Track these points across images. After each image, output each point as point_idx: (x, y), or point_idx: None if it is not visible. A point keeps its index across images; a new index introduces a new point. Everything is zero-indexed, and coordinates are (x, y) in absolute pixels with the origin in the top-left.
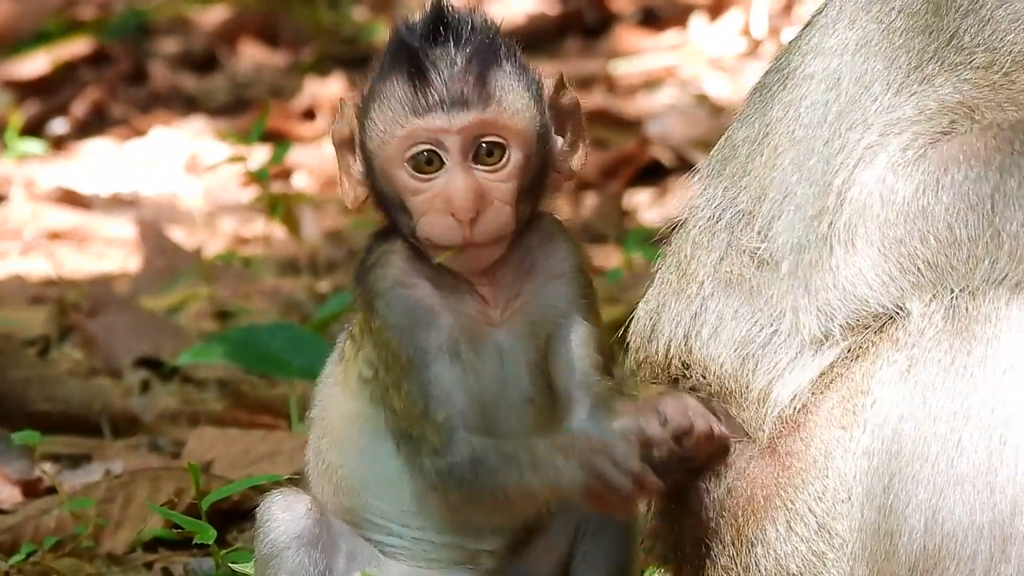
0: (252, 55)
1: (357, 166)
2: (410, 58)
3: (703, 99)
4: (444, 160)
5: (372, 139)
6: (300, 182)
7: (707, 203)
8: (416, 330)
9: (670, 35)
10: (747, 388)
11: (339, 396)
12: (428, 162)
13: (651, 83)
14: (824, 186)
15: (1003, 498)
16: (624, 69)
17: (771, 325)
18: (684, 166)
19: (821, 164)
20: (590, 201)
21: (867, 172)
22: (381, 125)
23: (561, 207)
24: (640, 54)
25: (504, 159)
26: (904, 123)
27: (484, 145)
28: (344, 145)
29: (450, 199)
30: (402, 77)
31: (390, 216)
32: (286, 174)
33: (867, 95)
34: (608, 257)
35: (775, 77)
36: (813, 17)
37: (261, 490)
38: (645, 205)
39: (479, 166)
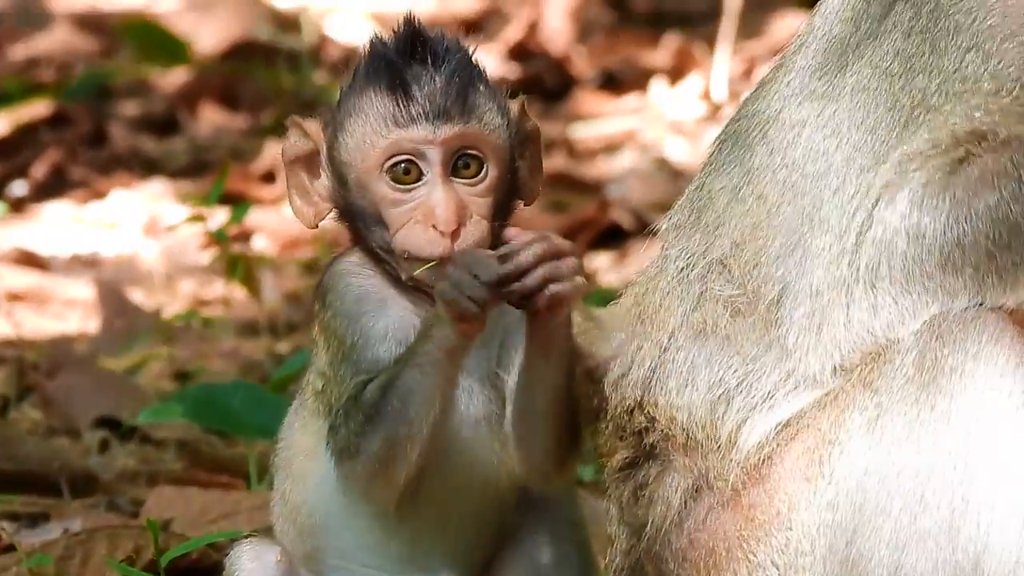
0: (212, 118)
1: (323, 181)
2: (390, 72)
3: (663, 163)
4: (424, 172)
5: (348, 151)
6: (260, 244)
7: (680, 253)
8: (364, 317)
9: (630, 99)
10: (715, 437)
11: (298, 433)
12: (407, 172)
13: (611, 147)
14: (841, 231)
15: (965, 556)
16: (584, 133)
17: (746, 373)
18: (644, 229)
19: (836, 211)
20: None
21: (888, 211)
22: (360, 137)
23: None
24: (600, 118)
25: (482, 173)
26: (920, 158)
27: (463, 158)
28: (299, 163)
29: (432, 211)
30: (382, 90)
31: (357, 231)
32: (246, 236)
33: (874, 138)
34: None
35: (750, 123)
36: (784, 59)
37: (219, 548)
38: (605, 268)
39: (458, 179)
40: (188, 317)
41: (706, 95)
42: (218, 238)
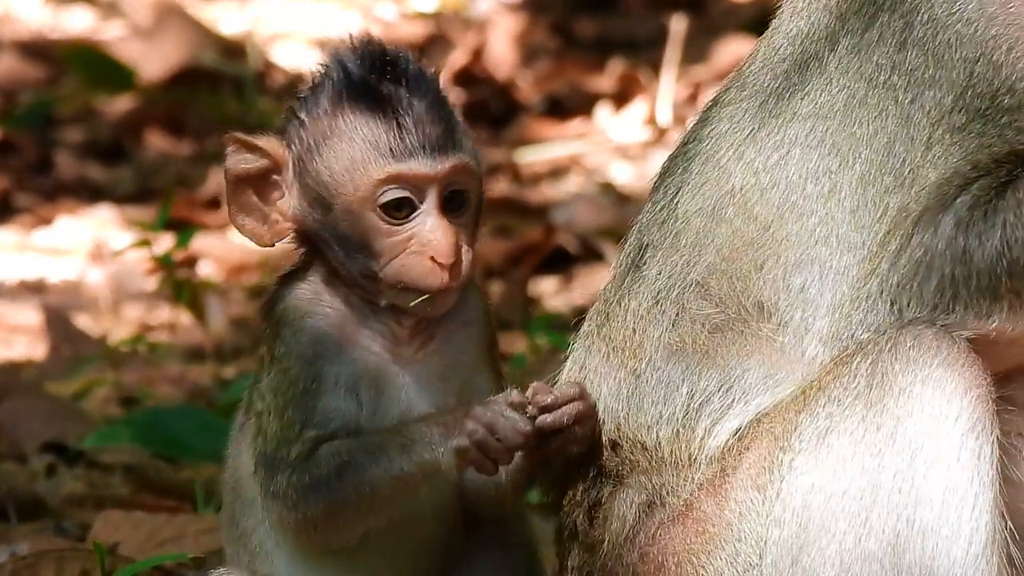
0: (158, 144)
1: (287, 201)
2: (372, 95)
3: (608, 187)
4: (418, 204)
5: (333, 176)
6: (206, 269)
7: (657, 276)
8: (319, 361)
9: (575, 124)
10: (680, 453)
11: (244, 454)
12: (400, 207)
13: (556, 171)
14: (868, 251)
15: None
16: (529, 157)
17: (725, 384)
18: (589, 254)
19: (857, 231)
20: (496, 288)
21: (929, 234)
22: (348, 163)
23: None
24: (545, 143)
25: (465, 205)
26: (960, 180)
27: (454, 191)
28: (247, 181)
29: (429, 244)
30: (368, 114)
31: (319, 253)
32: (191, 262)
33: (891, 156)
34: (513, 343)
35: (716, 145)
36: (742, 79)
37: (166, 571)
38: (550, 292)
39: (448, 212)
40: (134, 342)
41: (651, 120)
42: (164, 263)
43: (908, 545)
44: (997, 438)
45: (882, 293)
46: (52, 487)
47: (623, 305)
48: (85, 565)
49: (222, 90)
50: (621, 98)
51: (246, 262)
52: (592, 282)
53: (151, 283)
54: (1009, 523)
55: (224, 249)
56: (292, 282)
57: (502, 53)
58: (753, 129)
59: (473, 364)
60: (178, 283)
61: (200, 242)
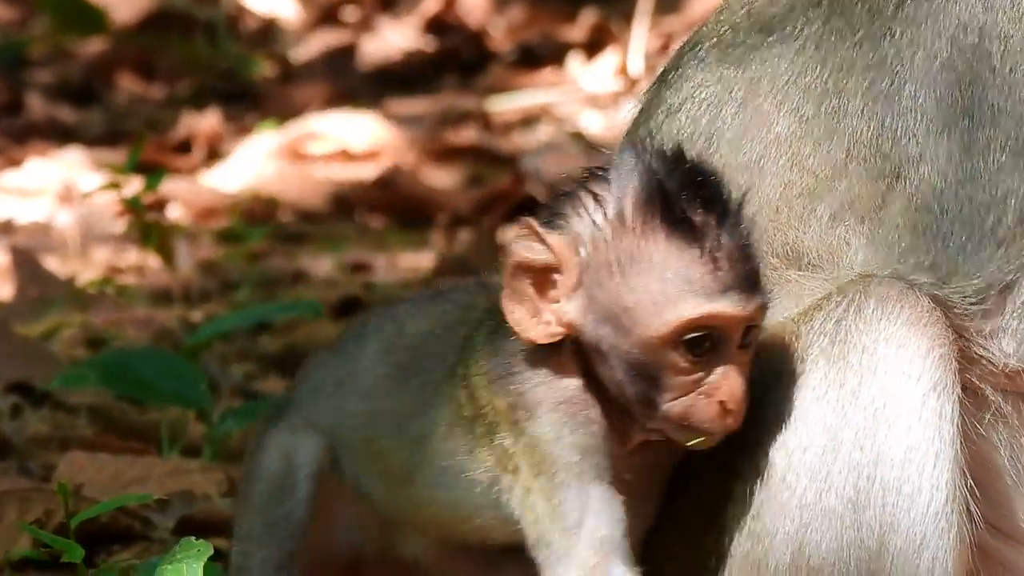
0: (129, 87)
1: (565, 308)
2: (685, 223)
3: (579, 136)
4: (718, 344)
5: (634, 306)
6: (174, 213)
7: None
8: (588, 473)
9: (547, 73)
10: None
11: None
12: (703, 344)
13: (527, 120)
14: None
15: (870, 535)
16: (500, 106)
17: None
18: None
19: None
20: (464, 236)
21: None
22: (655, 297)
23: (435, 241)
24: (517, 91)
25: (753, 340)
26: None
27: (750, 331)
28: (527, 271)
29: (724, 390)
30: (681, 246)
31: (590, 362)
32: (160, 205)
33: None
34: None
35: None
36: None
37: (130, 512)
38: None
39: (739, 349)
40: (102, 284)
41: (623, 70)
42: (133, 206)
43: (869, 502)
44: (959, 397)
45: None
46: (17, 427)
47: None
48: (49, 505)
49: (194, 34)
50: (593, 48)
51: (215, 206)
52: None
53: (120, 226)
54: (969, 480)
55: (193, 193)
56: (543, 367)
57: (475, 1)
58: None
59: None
60: (147, 226)
61: (169, 186)
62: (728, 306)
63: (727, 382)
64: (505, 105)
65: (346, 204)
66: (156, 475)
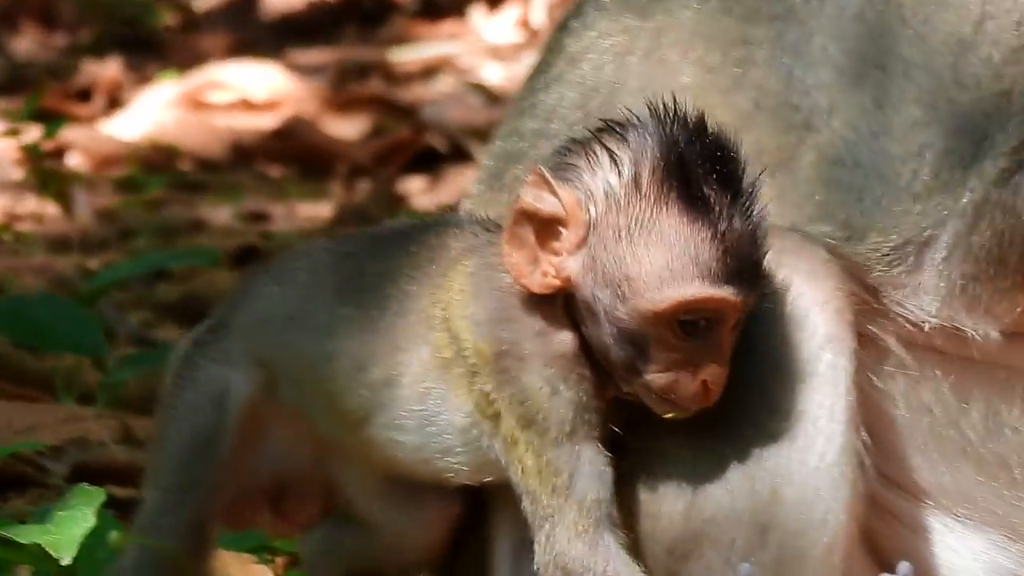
0: (30, 35)
1: (566, 262)
2: (703, 202)
3: (480, 88)
4: (711, 326)
5: (636, 275)
6: (73, 161)
7: None
8: (576, 435)
9: (448, 24)
10: None
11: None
12: (697, 325)
13: (428, 71)
14: None
15: (764, 487)
16: (402, 57)
17: None
18: (458, 153)
19: None
20: (364, 186)
21: None
22: (659, 271)
23: (334, 191)
24: (418, 42)
25: (737, 327)
26: None
27: (740, 319)
28: (531, 219)
29: (710, 371)
30: (695, 223)
31: (573, 311)
32: (60, 153)
33: None
34: None
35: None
36: None
37: (24, 459)
38: (418, 191)
39: (728, 335)
40: (0, 231)
41: (524, 21)
42: (32, 153)
43: (762, 453)
44: (855, 350)
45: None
46: None
47: None
48: None
49: None
50: None
51: (115, 154)
52: (460, 182)
53: (18, 173)
54: (864, 433)
55: (92, 141)
56: (537, 317)
57: None
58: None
59: None
60: (45, 173)
61: (69, 133)
62: (731, 293)
63: (713, 364)
64: (407, 56)
65: (246, 153)
66: (51, 422)
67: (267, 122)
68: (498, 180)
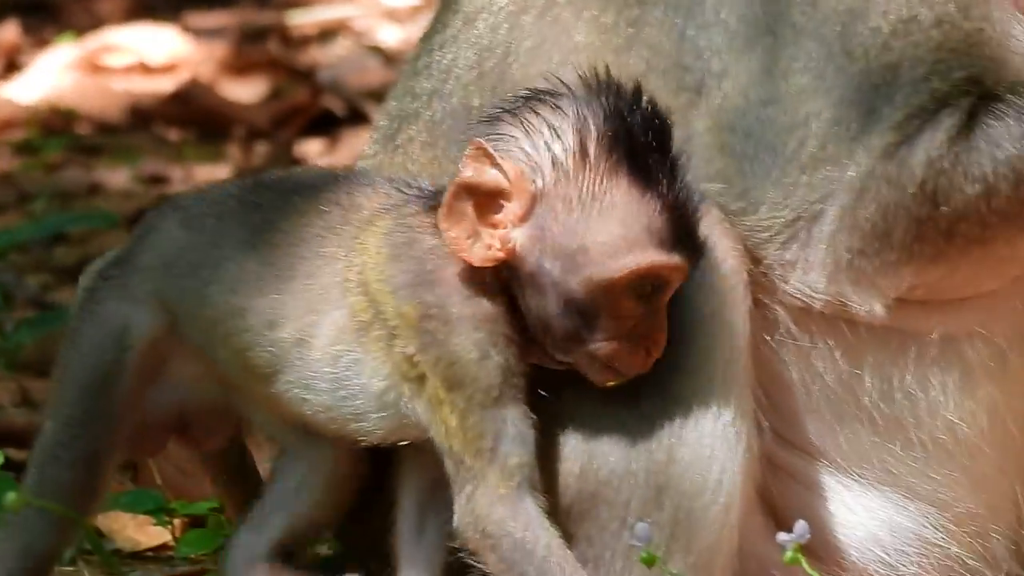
0: None
1: (515, 235)
2: (649, 174)
3: (377, 50)
4: (656, 292)
5: (590, 245)
6: None
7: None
8: (506, 396)
9: None
10: None
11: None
12: (649, 292)
13: (325, 34)
14: None
15: (659, 448)
16: (299, 20)
17: None
18: (355, 116)
19: None
20: (261, 149)
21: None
22: (614, 241)
23: (232, 154)
24: (315, 5)
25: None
26: None
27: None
28: (471, 192)
29: (653, 337)
30: (644, 194)
31: (507, 284)
32: None
33: None
34: None
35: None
36: None
37: None
38: (315, 154)
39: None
40: None
41: None
42: None
43: (657, 415)
44: (749, 310)
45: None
46: None
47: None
48: None
49: None
50: None
51: (12, 118)
52: (357, 144)
53: None
54: (760, 393)
55: None
56: (465, 282)
57: None
58: None
59: None
60: None
61: None
62: (679, 259)
63: (657, 329)
64: (304, 19)
65: (143, 116)
66: None
67: (165, 85)
68: (392, 141)
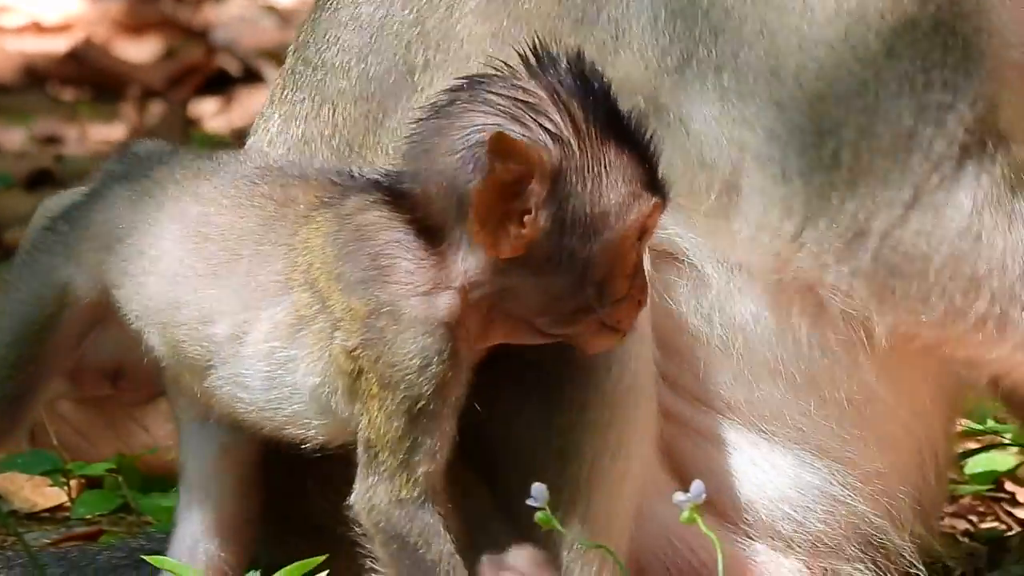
0: None
1: (541, 216)
2: (625, 128)
3: (271, 9)
4: (642, 241)
5: (604, 210)
6: None
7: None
8: (440, 392)
9: None
10: None
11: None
12: (639, 241)
13: None
14: None
15: (562, 409)
16: None
17: None
18: (250, 76)
19: None
20: (155, 109)
21: None
22: (620, 198)
23: (126, 114)
24: None
25: None
26: None
27: None
28: (502, 188)
29: (642, 286)
30: (630, 149)
31: (522, 284)
32: None
33: None
34: None
35: None
36: None
37: None
38: (210, 114)
39: None
40: None
41: None
42: None
43: (559, 376)
44: (653, 264)
45: None
46: None
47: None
48: None
49: None
50: None
51: None
52: (252, 104)
53: None
54: (661, 351)
55: None
56: (418, 278)
57: None
58: None
59: None
60: None
61: None
62: (661, 199)
63: (643, 277)
64: None
65: (37, 76)
66: None
67: (59, 45)
68: (320, 93)
